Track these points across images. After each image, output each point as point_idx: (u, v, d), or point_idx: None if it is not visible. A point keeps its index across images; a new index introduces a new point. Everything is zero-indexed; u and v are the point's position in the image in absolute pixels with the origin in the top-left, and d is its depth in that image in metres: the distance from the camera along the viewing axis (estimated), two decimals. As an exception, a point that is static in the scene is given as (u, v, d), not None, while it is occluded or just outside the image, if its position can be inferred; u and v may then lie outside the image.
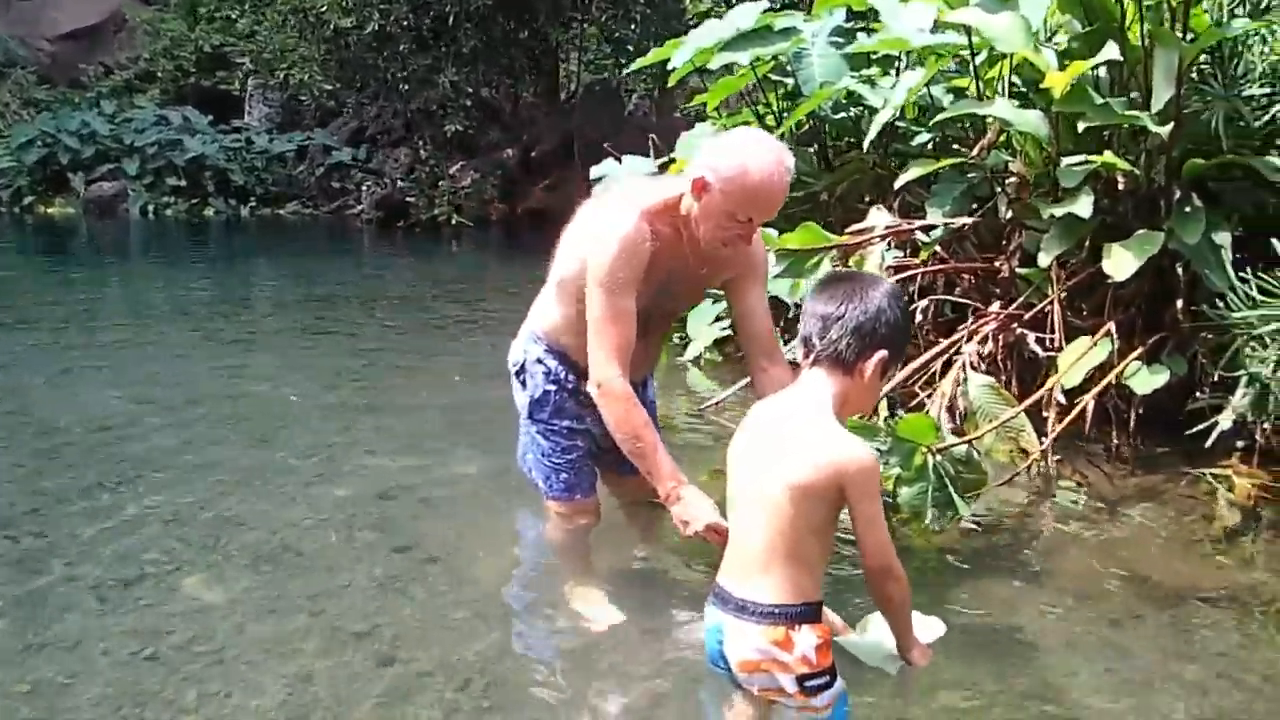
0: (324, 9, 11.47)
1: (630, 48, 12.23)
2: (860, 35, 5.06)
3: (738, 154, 2.33)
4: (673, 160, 5.47)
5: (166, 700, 2.21)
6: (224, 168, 14.50)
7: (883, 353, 1.88)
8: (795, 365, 2.12)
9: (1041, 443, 3.34)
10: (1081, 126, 3.50)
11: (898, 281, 3.83)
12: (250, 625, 2.57)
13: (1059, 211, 3.57)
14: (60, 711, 2.18)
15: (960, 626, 2.40)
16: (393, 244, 12.09)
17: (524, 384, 2.81)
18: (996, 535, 3.07)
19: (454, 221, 12.85)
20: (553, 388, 2.74)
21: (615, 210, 2.49)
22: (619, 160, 5.43)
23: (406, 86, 12.34)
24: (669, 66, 5.12)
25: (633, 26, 12.66)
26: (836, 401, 1.88)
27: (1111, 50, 3.30)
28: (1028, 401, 3.41)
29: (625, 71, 6.57)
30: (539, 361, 2.76)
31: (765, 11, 5.01)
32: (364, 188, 14.37)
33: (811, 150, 5.55)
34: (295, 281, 8.53)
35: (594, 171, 5.45)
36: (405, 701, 2.22)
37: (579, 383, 2.65)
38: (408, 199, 13.21)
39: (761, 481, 1.86)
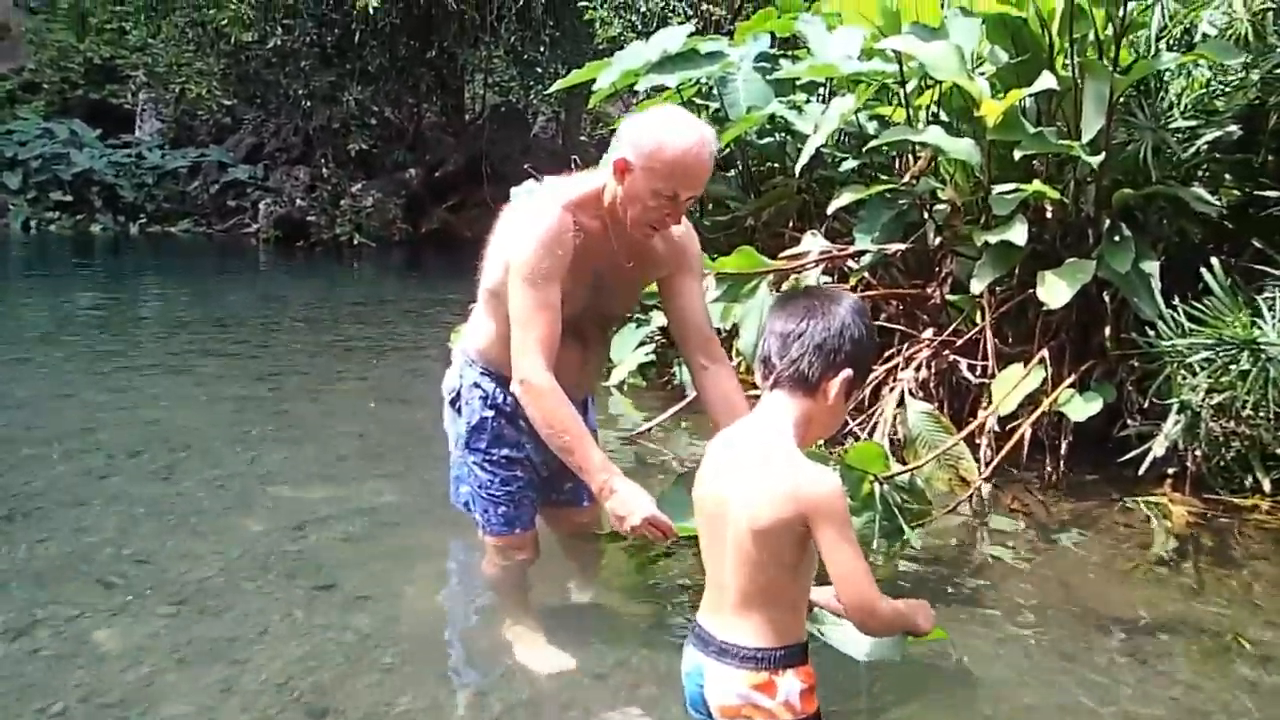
0: (225, 23, 11.08)
1: (539, 70, 12.14)
2: (784, 61, 5.08)
3: (656, 130, 2.25)
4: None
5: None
6: (112, 183, 13.91)
7: (847, 371, 1.77)
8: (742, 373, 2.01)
9: (981, 471, 3.32)
10: (1019, 154, 3.52)
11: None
12: (161, 677, 2.34)
13: (993, 239, 3.58)
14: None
15: (911, 657, 2.33)
16: (293, 264, 11.72)
17: (459, 411, 2.65)
18: (941, 565, 3.02)
19: (356, 241, 12.54)
20: (490, 413, 2.57)
21: (536, 205, 2.41)
22: (539, 181, 5.28)
23: (309, 103, 12.00)
24: (595, 87, 5.01)
25: (541, 49, 12.58)
26: (799, 425, 1.77)
27: (1048, 80, 3.33)
28: (967, 429, 3.40)
29: (547, 92, 6.48)
30: (475, 386, 2.60)
31: (691, 35, 4.98)
32: (261, 206, 13.93)
33: (730, 174, 5.54)
34: (192, 302, 8.16)
35: (514, 193, 5.30)
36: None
37: (518, 404, 2.46)
38: (309, 218, 12.84)
39: (727, 522, 1.74)
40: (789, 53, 5.32)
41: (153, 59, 13.12)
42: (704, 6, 13.96)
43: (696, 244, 2.59)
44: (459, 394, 2.64)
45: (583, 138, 15.07)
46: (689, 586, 2.78)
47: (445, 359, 5.76)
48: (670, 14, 13.54)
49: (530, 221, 2.35)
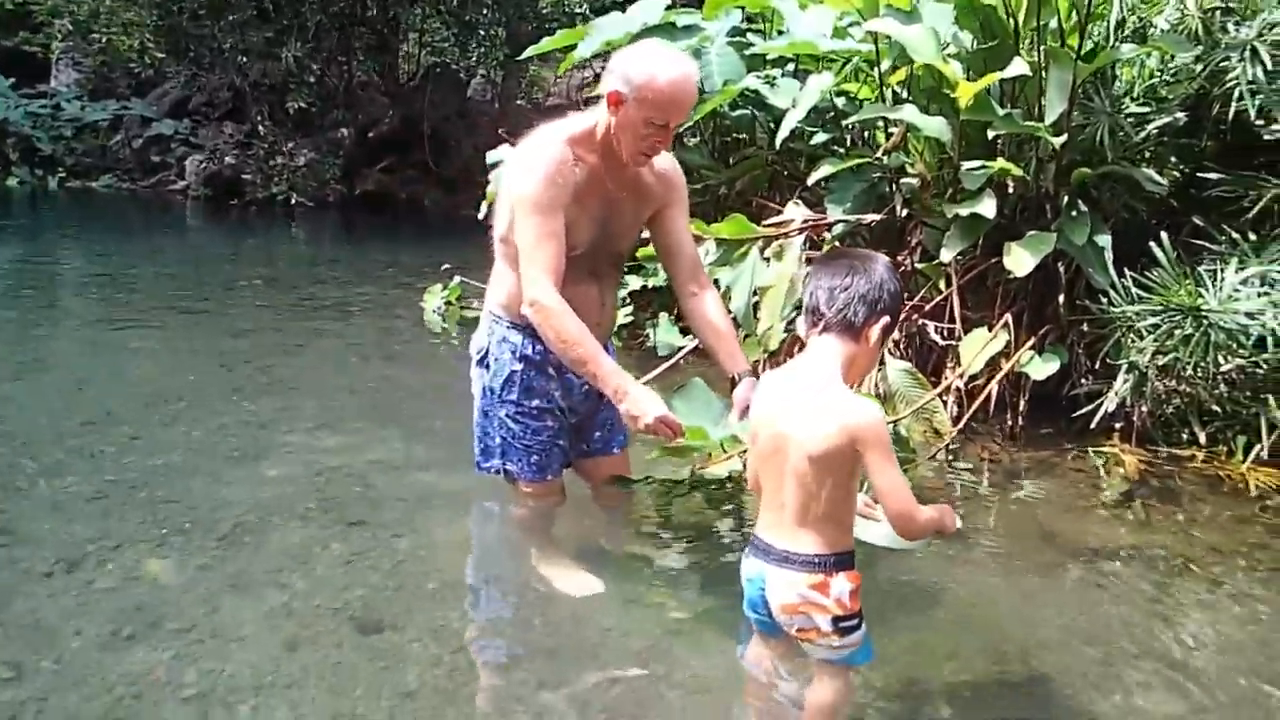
0: (158, -28, 10.83)
1: (481, 32, 12.14)
2: (752, 36, 5.30)
3: (646, 62, 2.43)
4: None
5: (158, 682, 2.14)
6: (29, 134, 13.45)
7: (886, 319, 2.04)
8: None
9: (955, 424, 3.63)
10: (991, 134, 3.81)
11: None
12: (220, 601, 2.50)
13: (963, 211, 3.88)
14: (53, 691, 2.07)
15: (910, 586, 2.64)
16: (226, 222, 11.55)
17: (488, 367, 2.77)
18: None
19: (293, 201, 12.39)
20: (520, 365, 2.71)
21: (535, 140, 2.56)
22: (512, 145, 5.42)
23: (243, 59, 11.79)
24: (576, 55, 5.16)
25: (484, 11, 12.56)
26: (844, 365, 2.03)
27: (1020, 66, 3.62)
28: (942, 386, 3.71)
29: (521, 57, 6.53)
30: (504, 340, 2.73)
31: (667, 8, 5.16)
32: (188, 163, 13.63)
33: (695, 142, 5.76)
34: (137, 259, 8.07)
35: (490, 156, 5.44)
36: (401, 665, 2.24)
37: (547, 352, 2.64)
38: (243, 175, 12.62)
39: (784, 451, 1.99)
40: (755, 28, 5.54)
41: (75, 6, 12.67)
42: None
43: (682, 178, 2.77)
44: (487, 351, 2.77)
45: (520, 101, 15.09)
46: (706, 527, 3.04)
47: (415, 319, 5.95)
48: (610, -24, 13.67)
49: (530, 155, 2.51)
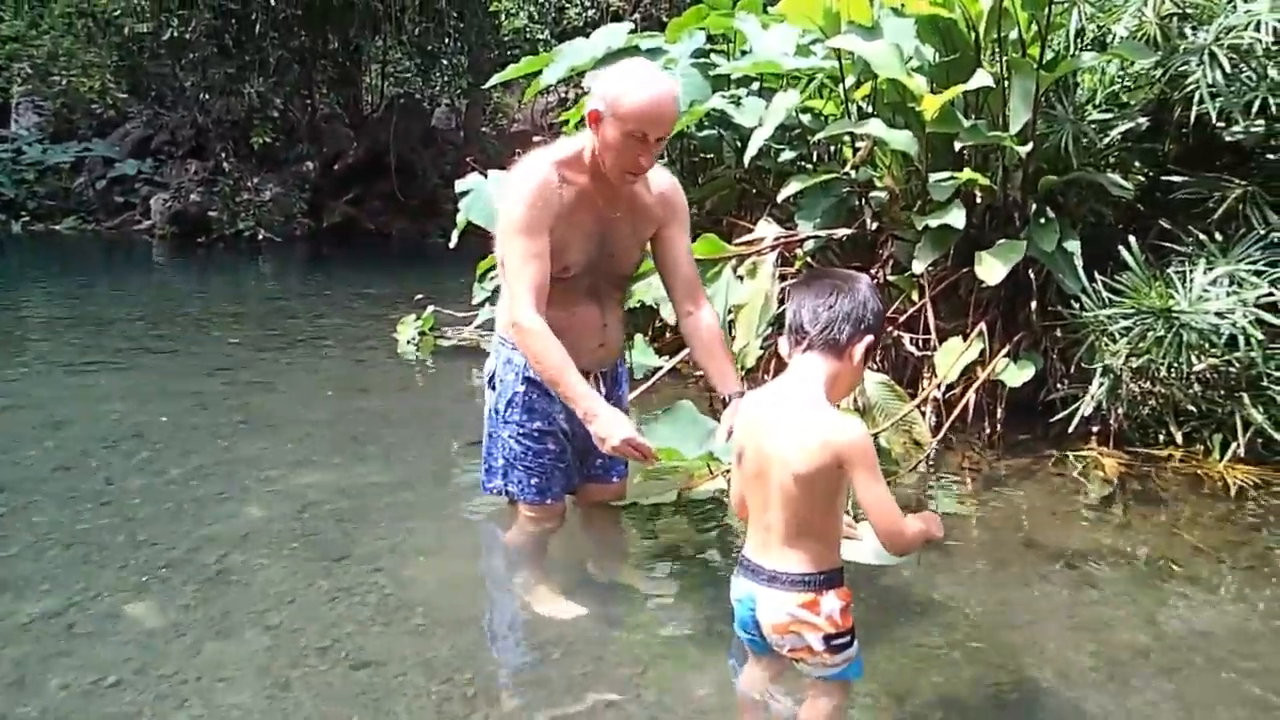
0: (117, 13, 10.75)
1: (445, 61, 12.15)
2: (716, 57, 5.34)
3: (621, 79, 2.46)
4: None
5: (148, 728, 2.11)
6: (-9, 179, 13.30)
7: (869, 338, 2.04)
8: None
9: (934, 434, 3.65)
10: (959, 145, 3.86)
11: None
12: (206, 646, 2.46)
13: (933, 222, 3.91)
14: (37, 746, 2.03)
15: (896, 597, 2.65)
16: (193, 260, 11.46)
17: (495, 389, 2.83)
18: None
19: (260, 236, 12.31)
20: (523, 387, 2.75)
21: (522, 164, 2.62)
22: (484, 175, 5.43)
23: (205, 96, 11.73)
24: (543, 81, 5.19)
25: (445, 40, 12.59)
26: (827, 383, 2.02)
27: (984, 78, 3.67)
28: (921, 397, 3.73)
29: (487, 85, 6.55)
30: (508, 362, 2.78)
31: (630, 33, 5.21)
32: (153, 202, 13.51)
33: (663, 164, 5.77)
34: (108, 300, 7.97)
35: (459, 185, 5.43)
36: (391, 699, 2.21)
37: None
38: (209, 213, 12.53)
39: (768, 472, 1.99)
40: (718, 48, 5.59)
41: (35, 49, 12.57)
42: (599, -4, 14.22)
43: (683, 197, 2.79)
44: (495, 374, 2.82)
45: (484, 129, 15.11)
46: (692, 549, 3.04)
47: (389, 350, 5.92)
48: (567, 3, 13.77)
49: (516, 180, 2.58)
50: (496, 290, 5.91)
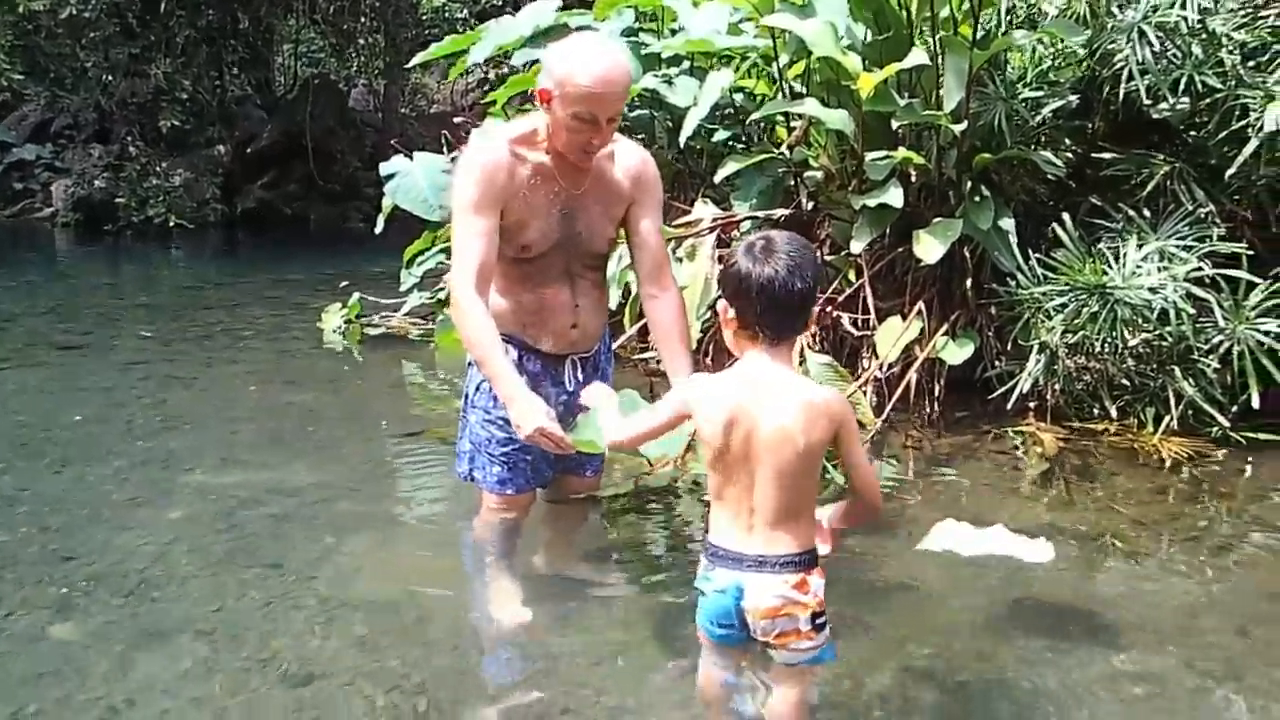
0: (12, -10, 10.24)
1: (361, 41, 11.82)
2: (645, 36, 5.26)
3: (568, 58, 2.39)
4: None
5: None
6: (-123, 166, 12.61)
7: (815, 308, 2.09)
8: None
9: (880, 414, 3.64)
10: (896, 124, 3.84)
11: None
12: (137, 663, 2.32)
13: (871, 202, 3.89)
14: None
15: (848, 574, 2.64)
16: (103, 249, 11.03)
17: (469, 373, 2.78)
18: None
19: (172, 223, 11.87)
20: None
21: (475, 143, 2.60)
22: (409, 157, 5.29)
23: (109, 78, 11.24)
24: (470, 61, 5.05)
25: (362, 19, 12.25)
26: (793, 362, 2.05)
27: (920, 56, 3.65)
28: (864, 377, 3.72)
29: (408, 66, 6.39)
30: None
31: (559, 10, 5.09)
32: (54, 188, 12.97)
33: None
34: (10, 294, 7.58)
35: (384, 168, 5.28)
36: (338, 713, 2.11)
37: (520, 357, 2.62)
38: (116, 199, 12.04)
39: (761, 453, 1.96)
40: (647, 27, 5.50)
41: (-80, 29, 11.91)
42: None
43: (656, 175, 2.71)
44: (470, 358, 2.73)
45: (403, 110, 14.78)
46: (644, 546, 3.00)
47: (313, 340, 5.73)
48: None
49: (466, 158, 2.54)
50: (426, 275, 5.82)
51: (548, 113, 2.44)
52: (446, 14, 12.82)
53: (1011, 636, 2.41)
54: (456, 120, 8.00)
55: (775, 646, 2.01)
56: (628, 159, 2.65)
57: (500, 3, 13.57)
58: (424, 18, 12.59)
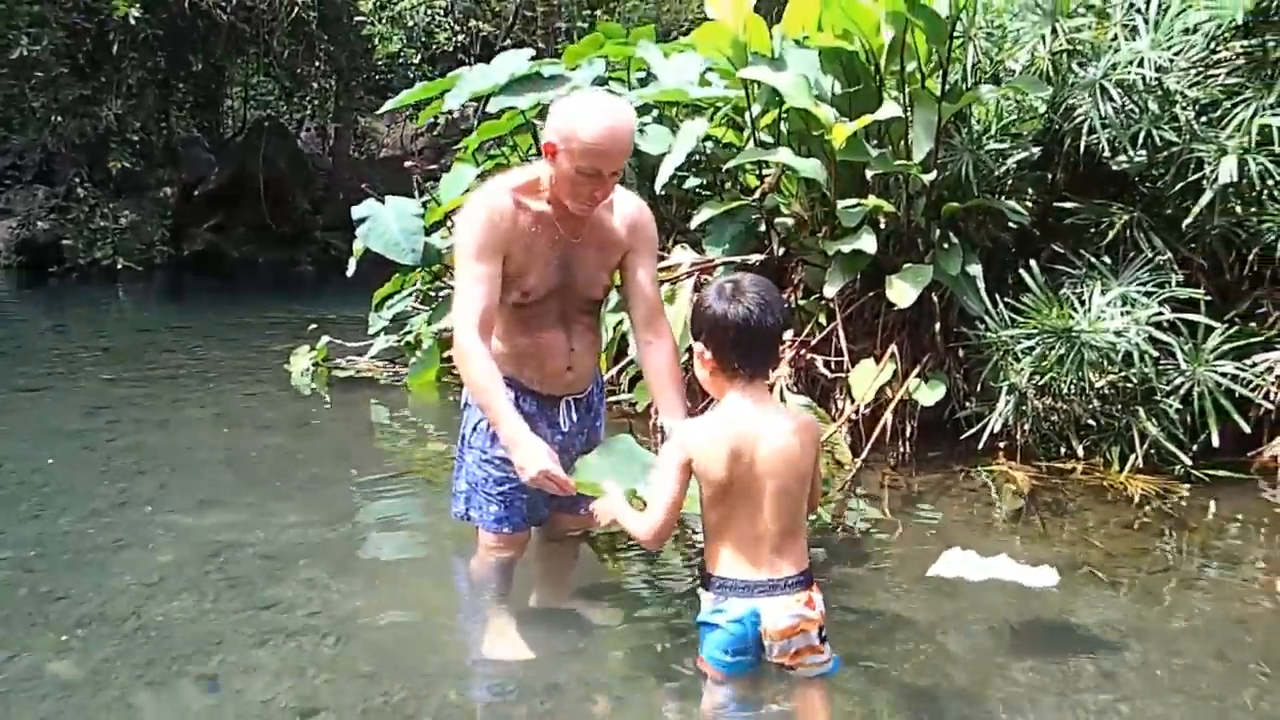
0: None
1: (314, 85, 11.85)
2: (616, 85, 5.38)
3: (571, 112, 2.48)
4: (436, 202, 5.47)
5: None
6: None
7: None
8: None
9: (858, 454, 3.74)
10: (870, 174, 3.99)
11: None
12: (142, 706, 2.30)
13: (845, 248, 4.02)
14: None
15: (831, 605, 2.71)
16: (48, 291, 10.82)
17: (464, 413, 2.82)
18: (838, 533, 3.42)
19: (119, 266, 11.67)
20: None
21: (480, 191, 2.65)
22: (381, 200, 5.31)
23: (58, 119, 11.09)
24: (445, 107, 5.12)
25: (315, 64, 12.27)
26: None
27: (892, 109, 3.80)
28: (844, 418, 3.82)
29: (381, 111, 6.42)
30: None
31: (532, 59, 5.19)
32: (-6, 231, 12.68)
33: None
34: (-44, 336, 7.43)
35: (355, 212, 5.29)
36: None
37: (516, 398, 2.64)
38: (62, 241, 11.82)
39: (765, 481, 2.08)
40: (616, 75, 5.63)
41: None
42: (470, 23, 14.15)
43: (651, 223, 2.79)
44: (466, 399, 2.79)
45: (352, 153, 14.77)
46: (641, 581, 3.04)
47: (280, 383, 5.70)
48: (437, 28, 13.64)
49: (469, 205, 2.61)
50: (395, 318, 5.83)
51: (552, 165, 2.51)
52: (402, 59, 12.90)
53: (992, 664, 2.50)
54: (407, 164, 8.05)
55: (791, 665, 2.09)
56: (625, 207, 2.73)
57: (451, 49, 13.71)
58: (378, 63, 12.65)
